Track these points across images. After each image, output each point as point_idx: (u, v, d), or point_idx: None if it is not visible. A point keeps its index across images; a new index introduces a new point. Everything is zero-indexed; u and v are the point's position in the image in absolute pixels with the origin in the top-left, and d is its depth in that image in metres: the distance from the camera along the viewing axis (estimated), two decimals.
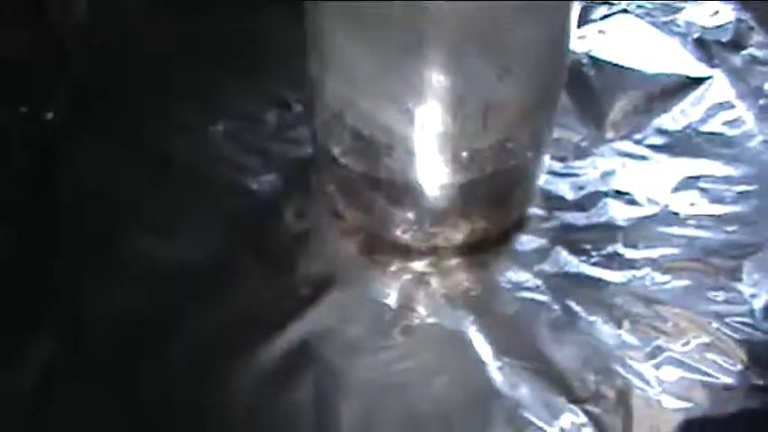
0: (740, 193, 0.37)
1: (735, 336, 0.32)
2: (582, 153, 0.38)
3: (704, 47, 0.44)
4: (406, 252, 0.34)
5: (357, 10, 0.26)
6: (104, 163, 0.36)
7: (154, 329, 0.31)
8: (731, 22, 0.46)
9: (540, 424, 0.29)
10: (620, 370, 0.31)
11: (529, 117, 0.30)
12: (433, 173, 0.31)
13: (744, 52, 0.45)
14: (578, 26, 0.44)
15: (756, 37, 0.47)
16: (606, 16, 0.45)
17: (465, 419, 0.30)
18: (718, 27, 0.46)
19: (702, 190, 0.37)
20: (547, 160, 0.35)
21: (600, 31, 0.44)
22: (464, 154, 0.30)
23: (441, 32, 0.26)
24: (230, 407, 0.30)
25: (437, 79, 0.27)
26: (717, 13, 0.47)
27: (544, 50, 0.29)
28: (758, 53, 0.45)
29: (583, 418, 0.30)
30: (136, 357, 0.31)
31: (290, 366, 0.31)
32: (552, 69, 0.30)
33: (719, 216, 0.36)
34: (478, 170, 0.30)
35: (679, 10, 0.47)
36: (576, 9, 0.29)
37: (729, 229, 0.35)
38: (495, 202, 0.33)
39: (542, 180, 0.36)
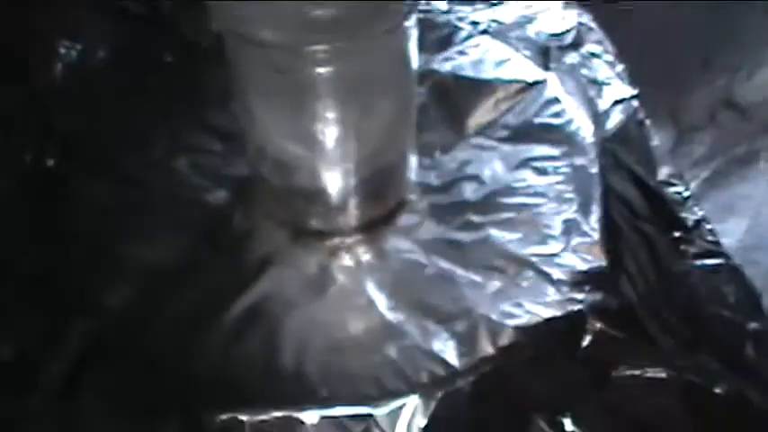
0: (560, 168, 0.51)
1: (545, 269, 0.46)
2: (446, 150, 0.51)
3: (545, 53, 0.57)
4: (321, 235, 0.47)
5: (266, 79, 0.40)
6: (98, 195, 0.49)
7: (144, 311, 0.44)
8: (574, 26, 0.59)
9: (419, 341, 0.43)
10: (472, 302, 0.45)
11: (388, 138, 0.44)
12: (331, 181, 0.44)
13: (582, 50, 0.58)
14: (444, 49, 0.57)
15: (594, 36, 0.60)
16: (467, 37, 0.58)
17: (368, 342, 0.43)
18: (562, 33, 0.59)
19: (534, 168, 0.50)
20: (415, 159, 0.49)
21: (461, 52, 0.57)
22: (349, 165, 0.43)
23: (322, 94, 0.39)
24: (207, 355, 0.43)
25: (323, 124, 0.41)
26: (563, 19, 0.60)
27: (391, 107, 0.43)
28: (595, 48, 0.59)
29: (448, 336, 0.43)
30: (137, 329, 0.44)
31: (247, 322, 0.44)
32: (400, 115, 0.44)
33: (545, 186, 0.50)
34: (360, 175, 0.44)
35: (532, 20, 0.60)
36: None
37: (552, 196, 0.49)
38: (378, 195, 0.46)
39: (414, 173, 0.49)
